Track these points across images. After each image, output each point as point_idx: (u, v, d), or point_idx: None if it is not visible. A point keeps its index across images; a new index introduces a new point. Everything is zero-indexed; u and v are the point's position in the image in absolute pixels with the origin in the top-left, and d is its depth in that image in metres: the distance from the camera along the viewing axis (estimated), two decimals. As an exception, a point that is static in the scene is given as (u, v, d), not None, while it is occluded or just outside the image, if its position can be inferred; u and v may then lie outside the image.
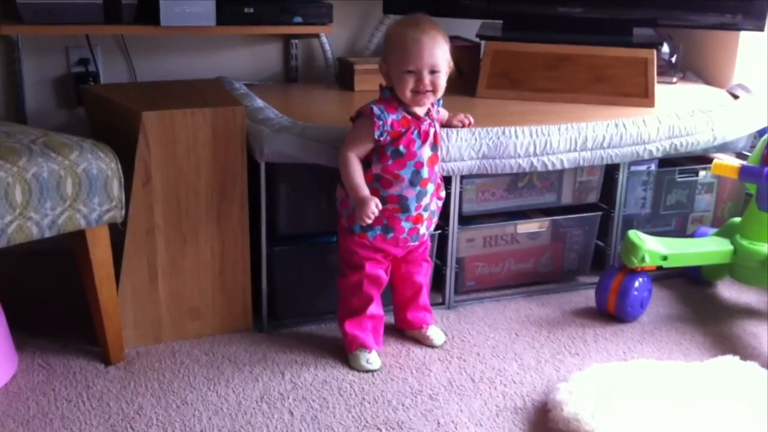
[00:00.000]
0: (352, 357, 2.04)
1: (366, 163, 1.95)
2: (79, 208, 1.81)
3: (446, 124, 2.16)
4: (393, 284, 2.13)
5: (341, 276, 2.06)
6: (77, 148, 1.82)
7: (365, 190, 1.91)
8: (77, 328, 2.13)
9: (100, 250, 1.91)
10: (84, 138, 1.90)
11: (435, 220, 2.10)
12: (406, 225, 1.99)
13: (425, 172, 1.96)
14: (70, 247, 1.94)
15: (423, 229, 2.03)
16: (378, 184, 1.94)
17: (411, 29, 1.90)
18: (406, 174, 1.94)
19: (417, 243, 2.06)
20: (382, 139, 1.91)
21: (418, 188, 1.96)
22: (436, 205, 2.06)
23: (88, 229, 1.86)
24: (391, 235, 1.99)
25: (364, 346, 2.03)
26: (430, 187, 1.99)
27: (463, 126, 2.17)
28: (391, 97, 1.95)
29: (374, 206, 1.88)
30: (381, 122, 1.90)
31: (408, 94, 1.91)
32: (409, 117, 1.94)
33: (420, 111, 1.96)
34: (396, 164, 1.94)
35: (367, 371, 2.01)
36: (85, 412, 1.81)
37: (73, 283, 2.17)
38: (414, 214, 1.98)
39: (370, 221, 1.89)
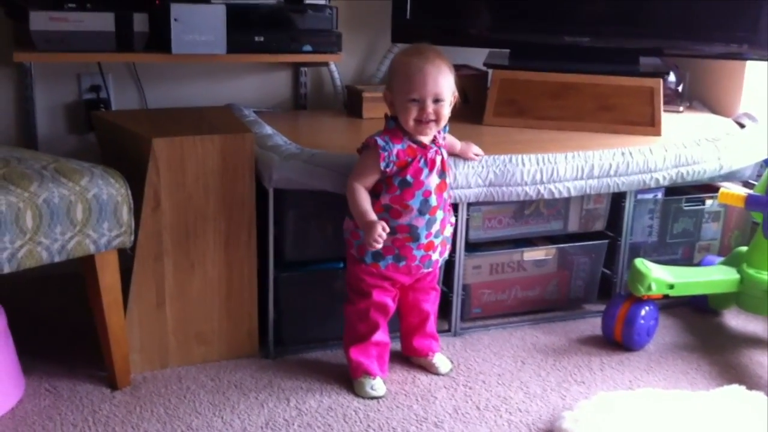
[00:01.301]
0: (357, 383, 2.04)
1: (374, 194, 1.96)
2: (88, 233, 1.83)
3: (460, 154, 2.16)
4: (400, 311, 2.14)
5: (348, 302, 2.07)
6: (88, 174, 1.84)
7: (372, 216, 1.92)
8: (84, 353, 2.14)
9: (108, 275, 1.92)
10: (95, 164, 1.92)
11: (448, 246, 2.11)
12: (417, 253, 1.99)
13: (434, 200, 1.97)
14: (78, 271, 1.96)
15: (436, 256, 2.04)
16: (387, 215, 1.95)
17: (415, 58, 1.91)
18: (414, 204, 1.95)
19: (430, 269, 2.07)
20: (388, 170, 1.92)
21: (427, 216, 1.97)
22: (449, 231, 2.07)
23: (97, 254, 1.88)
24: (403, 263, 1.99)
25: (368, 373, 2.04)
26: (440, 214, 2.00)
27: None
28: (395, 127, 1.95)
29: (380, 229, 1.88)
30: (386, 153, 1.91)
31: (411, 123, 1.92)
32: (415, 146, 1.95)
33: (425, 139, 1.97)
34: (404, 194, 1.94)
35: (372, 398, 2.01)
36: (91, 437, 1.82)
37: (80, 308, 2.18)
38: (425, 242, 1.99)
39: (379, 245, 1.90)
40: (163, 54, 2.35)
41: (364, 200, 1.93)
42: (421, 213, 1.96)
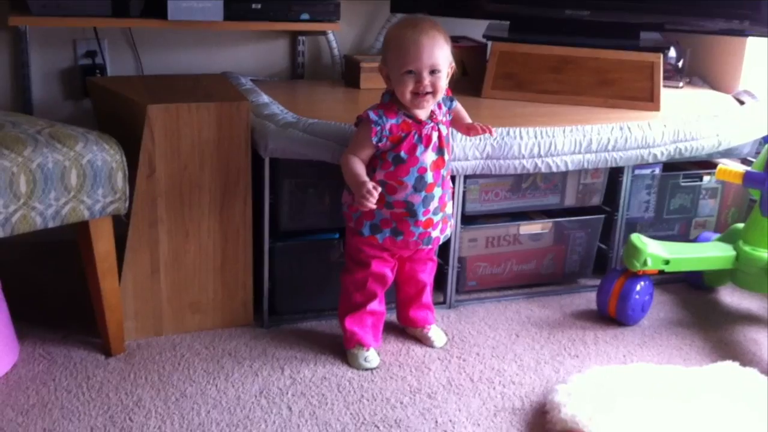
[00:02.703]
0: (350, 354, 2.04)
1: (371, 169, 1.94)
2: (83, 199, 1.82)
3: (465, 132, 2.08)
4: (397, 282, 2.13)
5: (346, 271, 2.06)
6: (82, 139, 1.83)
7: (363, 177, 1.87)
8: (79, 319, 2.14)
9: (103, 242, 1.91)
10: (89, 130, 1.91)
11: (450, 223, 2.09)
12: (415, 230, 1.97)
13: (429, 177, 1.94)
14: (73, 238, 1.95)
15: (436, 233, 2.01)
16: (384, 190, 1.92)
17: (410, 30, 1.87)
18: (409, 180, 1.92)
19: (430, 246, 2.05)
20: (381, 144, 1.90)
21: (423, 193, 1.94)
22: (449, 209, 2.05)
23: (92, 221, 1.87)
24: (401, 238, 1.97)
25: (362, 344, 2.03)
26: (437, 191, 1.97)
27: (481, 132, 2.05)
28: (390, 101, 1.93)
29: (370, 187, 1.82)
30: (378, 128, 1.88)
31: (408, 95, 1.88)
32: (410, 121, 1.91)
33: (422, 114, 1.93)
34: (398, 170, 1.92)
35: (365, 369, 2.01)
36: (84, 403, 1.82)
37: (75, 275, 2.17)
38: (423, 219, 1.96)
39: (371, 204, 1.83)
40: (159, 20, 2.33)
41: (357, 165, 1.89)
42: (416, 190, 1.93)
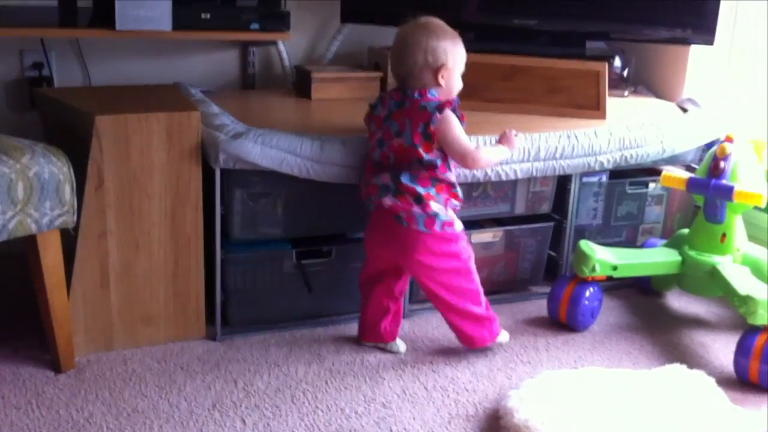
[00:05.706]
0: (503, 335, 2.19)
1: (447, 163, 2.02)
2: (30, 212, 1.79)
3: None
4: (374, 295, 2.12)
5: (462, 274, 2.08)
6: (29, 151, 1.80)
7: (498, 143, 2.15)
8: (28, 335, 2.10)
9: (50, 256, 1.88)
10: (36, 142, 1.88)
11: None
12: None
13: None
14: (21, 251, 1.92)
15: None
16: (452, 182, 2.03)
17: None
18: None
19: None
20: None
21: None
22: None
23: (39, 234, 1.84)
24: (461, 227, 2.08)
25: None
26: None
27: None
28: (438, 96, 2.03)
29: (508, 132, 2.17)
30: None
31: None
32: None
33: None
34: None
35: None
36: (34, 420, 1.79)
37: (23, 289, 2.14)
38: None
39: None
40: (107, 30, 2.31)
41: (488, 149, 2.10)
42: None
